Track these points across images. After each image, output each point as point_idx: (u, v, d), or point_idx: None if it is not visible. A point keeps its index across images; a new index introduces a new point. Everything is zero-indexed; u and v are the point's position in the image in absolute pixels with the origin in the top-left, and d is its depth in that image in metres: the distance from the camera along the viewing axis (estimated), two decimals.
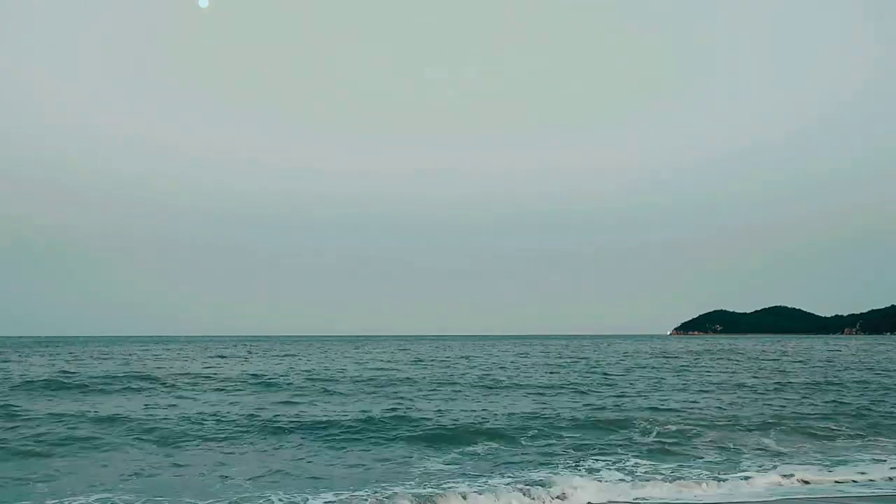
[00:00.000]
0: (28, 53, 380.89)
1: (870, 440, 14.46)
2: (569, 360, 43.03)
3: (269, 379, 26.84)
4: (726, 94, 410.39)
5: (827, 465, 11.98)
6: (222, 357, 47.80)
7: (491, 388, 24.10)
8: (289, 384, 24.85)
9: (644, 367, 35.86)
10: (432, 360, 43.09)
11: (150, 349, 67.09)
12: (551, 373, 31.79)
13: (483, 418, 16.27)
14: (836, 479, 11.11)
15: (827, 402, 20.09)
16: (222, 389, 22.96)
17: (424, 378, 27.67)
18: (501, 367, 35.87)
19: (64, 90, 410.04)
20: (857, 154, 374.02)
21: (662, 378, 28.39)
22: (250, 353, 58.24)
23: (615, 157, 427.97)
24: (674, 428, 15.03)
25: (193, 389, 22.87)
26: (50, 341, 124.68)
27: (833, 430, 15.39)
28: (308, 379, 27.17)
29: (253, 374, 29.32)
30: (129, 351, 60.53)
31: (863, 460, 12.46)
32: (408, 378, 27.52)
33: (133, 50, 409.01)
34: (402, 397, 20.75)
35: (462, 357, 48.48)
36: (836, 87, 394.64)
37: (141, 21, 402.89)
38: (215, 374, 29.86)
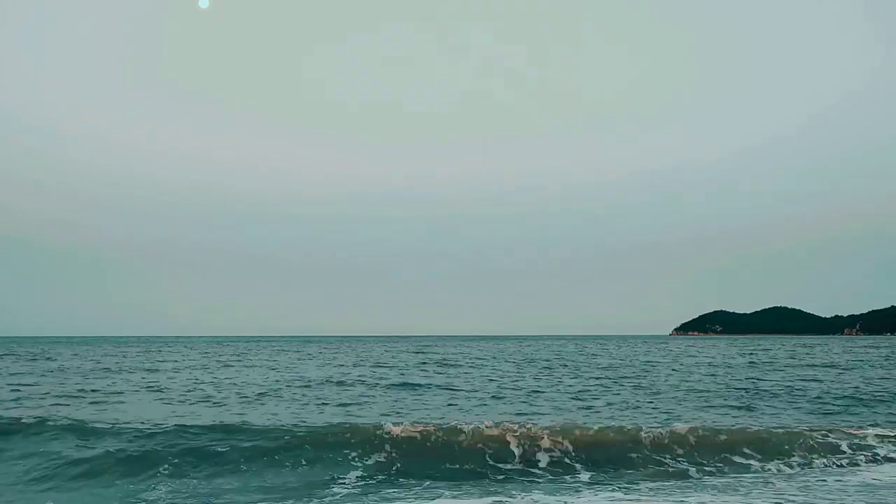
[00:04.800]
0: (26, 53, 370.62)
1: None
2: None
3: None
4: (727, 94, 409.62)
5: None
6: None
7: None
8: None
9: None
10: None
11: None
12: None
13: None
14: None
15: None
16: None
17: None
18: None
19: (62, 90, 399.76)
20: (856, 154, 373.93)
21: None
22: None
23: (615, 156, 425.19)
24: None
25: None
26: (41, 342, 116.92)
27: None
28: None
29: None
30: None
31: None
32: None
33: (133, 50, 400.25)
34: None
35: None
36: (834, 88, 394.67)
37: (141, 21, 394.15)
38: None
